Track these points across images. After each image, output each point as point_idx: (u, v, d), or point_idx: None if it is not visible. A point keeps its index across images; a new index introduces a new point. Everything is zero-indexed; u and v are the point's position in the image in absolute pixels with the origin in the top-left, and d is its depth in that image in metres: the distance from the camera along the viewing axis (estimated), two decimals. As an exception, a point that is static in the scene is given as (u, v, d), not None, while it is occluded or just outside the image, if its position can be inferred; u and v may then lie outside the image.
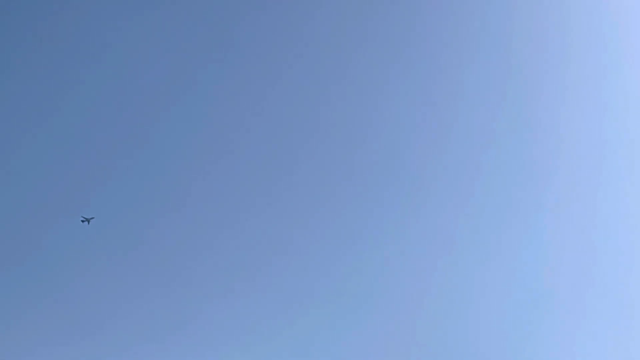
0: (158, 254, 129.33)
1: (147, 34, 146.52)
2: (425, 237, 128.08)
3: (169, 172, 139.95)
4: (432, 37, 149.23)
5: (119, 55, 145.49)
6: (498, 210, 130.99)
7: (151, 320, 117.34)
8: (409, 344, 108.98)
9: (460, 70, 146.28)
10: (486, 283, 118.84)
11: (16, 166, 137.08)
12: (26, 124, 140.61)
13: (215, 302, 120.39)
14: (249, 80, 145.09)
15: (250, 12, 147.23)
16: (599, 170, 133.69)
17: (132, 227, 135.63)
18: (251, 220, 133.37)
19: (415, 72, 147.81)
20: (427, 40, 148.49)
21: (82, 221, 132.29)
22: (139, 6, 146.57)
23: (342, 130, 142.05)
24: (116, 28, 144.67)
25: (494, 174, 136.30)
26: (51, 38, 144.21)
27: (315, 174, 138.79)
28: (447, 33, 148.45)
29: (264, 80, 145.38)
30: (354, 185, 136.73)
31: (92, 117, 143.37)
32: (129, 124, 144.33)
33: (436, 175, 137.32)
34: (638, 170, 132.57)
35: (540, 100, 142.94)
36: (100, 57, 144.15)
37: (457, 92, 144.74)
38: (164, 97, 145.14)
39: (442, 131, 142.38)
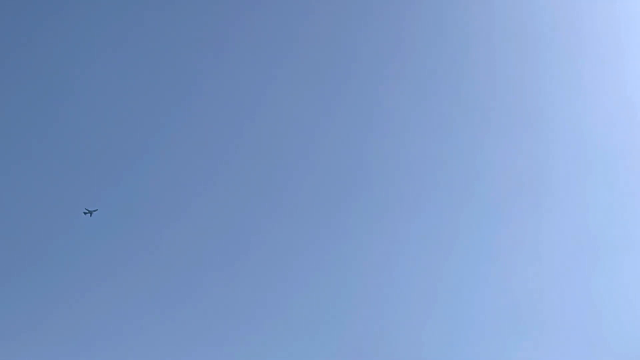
0: (152, 254, 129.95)
1: (145, 34, 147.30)
2: (417, 241, 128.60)
3: (165, 172, 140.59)
4: (427, 38, 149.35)
5: (124, 54, 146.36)
6: (492, 214, 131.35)
7: (147, 320, 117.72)
8: (404, 346, 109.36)
9: (456, 71, 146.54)
10: (479, 288, 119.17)
11: (18, 163, 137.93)
12: (30, 121, 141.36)
13: (212, 301, 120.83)
14: (249, 81, 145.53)
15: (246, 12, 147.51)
16: (593, 174, 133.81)
17: (130, 226, 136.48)
18: (251, 221, 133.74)
19: (412, 73, 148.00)
20: (422, 41, 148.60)
21: (85, 213, 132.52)
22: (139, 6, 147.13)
23: (338, 132, 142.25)
24: (118, 28, 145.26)
25: (486, 177, 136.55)
26: (56, 35, 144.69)
27: (311, 176, 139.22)
28: (443, 33, 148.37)
29: (263, 82, 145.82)
30: (341, 190, 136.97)
31: (93, 116, 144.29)
32: (131, 122, 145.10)
33: (427, 179, 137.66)
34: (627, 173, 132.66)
35: (538, 100, 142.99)
36: (101, 56, 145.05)
37: (454, 93, 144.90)
38: (164, 98, 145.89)
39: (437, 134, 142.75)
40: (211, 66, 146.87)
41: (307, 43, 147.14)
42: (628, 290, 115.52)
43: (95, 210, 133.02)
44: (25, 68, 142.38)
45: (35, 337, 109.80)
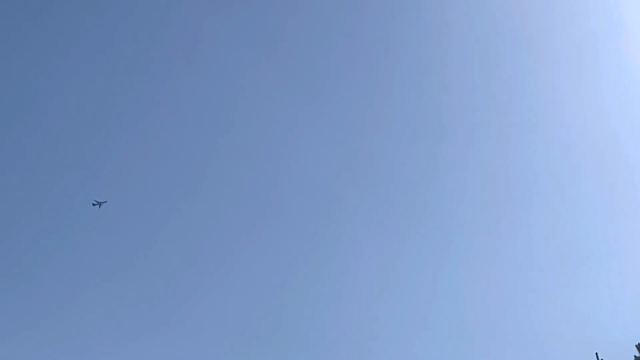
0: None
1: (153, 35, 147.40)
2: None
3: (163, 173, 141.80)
4: (417, 42, 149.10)
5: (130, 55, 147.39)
6: (481, 217, 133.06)
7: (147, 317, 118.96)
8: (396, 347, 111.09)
9: (451, 74, 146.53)
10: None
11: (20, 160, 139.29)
12: (32, 120, 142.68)
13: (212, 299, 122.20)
14: (248, 84, 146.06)
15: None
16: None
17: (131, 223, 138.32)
18: (247, 223, 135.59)
19: (404, 77, 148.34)
20: (413, 45, 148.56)
21: (94, 205, 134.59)
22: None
23: (332, 134, 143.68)
24: (124, 28, 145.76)
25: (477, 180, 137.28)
26: (78, 35, 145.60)
27: (307, 179, 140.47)
28: (434, 37, 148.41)
29: (262, 85, 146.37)
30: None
31: (98, 116, 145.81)
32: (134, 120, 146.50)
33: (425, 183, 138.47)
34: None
35: (529, 104, 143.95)
36: (101, 59, 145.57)
37: (450, 96, 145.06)
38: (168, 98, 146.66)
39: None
40: (209, 69, 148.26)
41: (297, 49, 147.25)
42: (613, 295, 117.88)
43: (104, 202, 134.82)
44: (31, 67, 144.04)
45: (35, 333, 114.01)
